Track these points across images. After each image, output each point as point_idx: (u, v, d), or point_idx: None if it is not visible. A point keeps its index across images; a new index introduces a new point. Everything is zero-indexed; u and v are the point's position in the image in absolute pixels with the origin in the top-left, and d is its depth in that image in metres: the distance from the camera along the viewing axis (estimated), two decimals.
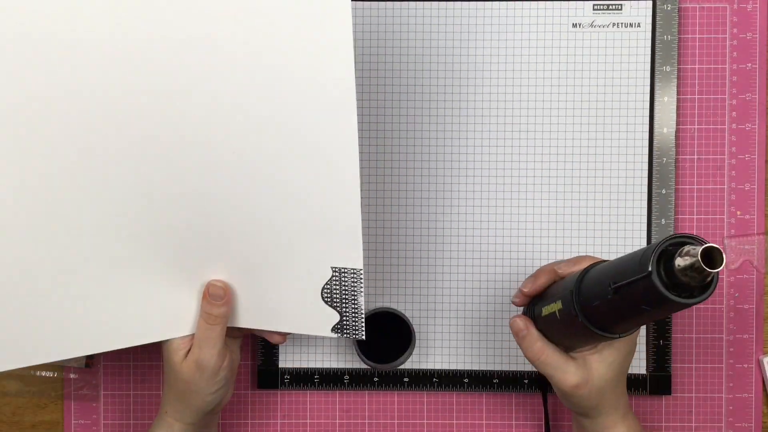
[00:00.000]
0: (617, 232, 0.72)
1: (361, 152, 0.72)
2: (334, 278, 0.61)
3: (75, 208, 0.58)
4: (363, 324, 0.62)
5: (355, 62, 0.72)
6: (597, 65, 0.71)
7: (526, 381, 0.72)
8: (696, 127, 0.72)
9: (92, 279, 0.60)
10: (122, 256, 0.60)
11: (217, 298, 0.62)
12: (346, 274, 0.61)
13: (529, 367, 0.72)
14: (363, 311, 0.62)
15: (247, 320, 0.64)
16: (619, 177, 0.72)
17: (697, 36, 0.72)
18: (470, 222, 0.72)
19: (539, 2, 0.71)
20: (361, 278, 0.61)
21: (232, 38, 0.56)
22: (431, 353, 0.73)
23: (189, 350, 0.63)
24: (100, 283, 0.61)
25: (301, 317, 0.63)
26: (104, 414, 0.74)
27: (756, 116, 0.72)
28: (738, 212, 0.72)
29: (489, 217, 0.72)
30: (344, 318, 0.62)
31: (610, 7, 0.71)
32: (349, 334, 0.62)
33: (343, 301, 0.61)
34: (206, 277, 0.63)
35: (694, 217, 0.72)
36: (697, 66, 0.72)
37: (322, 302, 0.62)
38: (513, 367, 0.72)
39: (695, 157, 0.72)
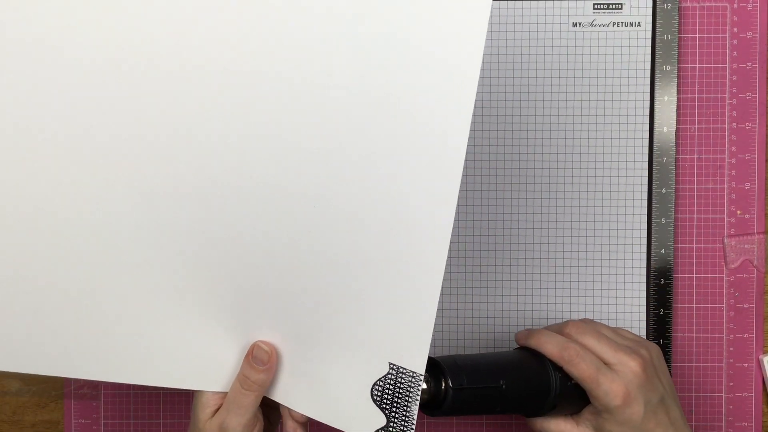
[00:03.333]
0: (617, 232, 0.72)
1: None
2: (389, 376, 0.53)
3: (136, 241, 0.55)
4: None
5: None
6: (597, 65, 0.71)
7: None
8: (696, 126, 0.72)
9: (134, 308, 0.56)
10: (172, 291, 0.56)
11: (260, 363, 0.55)
12: (403, 376, 0.53)
13: None
14: (414, 423, 0.53)
15: (282, 395, 0.57)
16: (619, 176, 0.72)
17: (697, 35, 0.72)
18: (469, 220, 0.72)
19: (539, 2, 0.71)
20: (419, 385, 0.52)
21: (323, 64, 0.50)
22: (431, 353, 0.72)
23: (217, 410, 0.57)
24: (141, 313, 0.56)
25: (343, 410, 0.55)
26: (104, 413, 0.74)
27: (756, 115, 0.72)
28: (738, 211, 0.72)
29: (489, 216, 0.72)
30: (391, 424, 0.54)
31: (611, 6, 0.71)
32: None
33: (394, 404, 0.53)
34: (254, 334, 0.56)
35: (694, 216, 0.72)
36: (697, 65, 0.72)
37: (370, 400, 0.54)
38: None
39: (695, 156, 0.72)
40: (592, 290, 0.72)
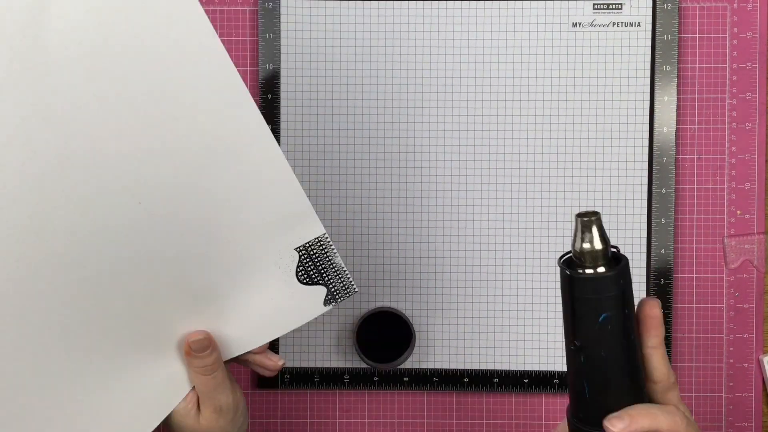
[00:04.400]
0: (617, 232, 0.72)
1: (360, 152, 0.72)
2: (303, 258, 0.58)
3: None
4: (351, 280, 0.59)
5: (356, 63, 0.72)
6: (597, 65, 0.71)
7: (526, 380, 0.72)
8: (696, 126, 0.72)
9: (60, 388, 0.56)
10: (82, 350, 0.56)
11: (204, 349, 0.57)
12: (312, 248, 0.58)
13: (528, 367, 0.72)
14: (344, 268, 0.59)
15: (239, 346, 0.59)
16: (619, 176, 0.72)
17: (697, 35, 0.72)
18: (470, 221, 0.72)
19: (539, 2, 0.71)
20: (329, 242, 0.58)
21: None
22: (431, 353, 0.73)
23: (197, 404, 0.58)
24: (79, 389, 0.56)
25: (291, 312, 0.59)
26: None
27: (756, 115, 0.72)
28: (738, 212, 0.72)
29: (489, 216, 0.72)
30: (330, 286, 0.59)
31: (610, 6, 0.71)
32: (342, 296, 0.59)
33: (321, 271, 0.59)
34: (179, 332, 0.58)
35: (694, 216, 0.72)
36: (697, 65, 0.72)
37: (302, 286, 0.59)
38: (513, 367, 0.72)
39: (695, 156, 0.72)
40: None
